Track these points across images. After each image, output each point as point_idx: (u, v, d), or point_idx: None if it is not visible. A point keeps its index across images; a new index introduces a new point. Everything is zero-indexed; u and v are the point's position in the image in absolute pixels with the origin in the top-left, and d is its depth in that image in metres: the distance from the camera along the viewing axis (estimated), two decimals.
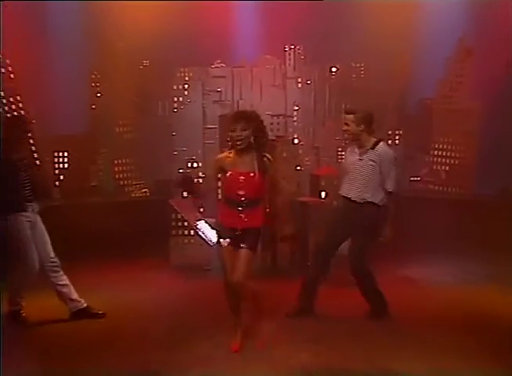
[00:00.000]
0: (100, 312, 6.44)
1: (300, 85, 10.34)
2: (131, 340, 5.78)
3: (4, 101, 9.56)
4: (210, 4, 10.01)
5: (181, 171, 9.70)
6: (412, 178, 10.76)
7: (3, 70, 9.65)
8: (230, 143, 5.29)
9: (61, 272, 6.34)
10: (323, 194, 8.70)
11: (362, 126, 6.11)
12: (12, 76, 9.75)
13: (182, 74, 10.31)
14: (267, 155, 5.31)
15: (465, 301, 6.79)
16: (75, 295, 6.39)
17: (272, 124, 9.95)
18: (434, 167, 10.65)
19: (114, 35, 10.40)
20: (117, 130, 10.84)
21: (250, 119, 5.24)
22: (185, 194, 9.34)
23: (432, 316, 6.35)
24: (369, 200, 6.14)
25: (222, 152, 5.48)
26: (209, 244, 8.39)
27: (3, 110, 9.50)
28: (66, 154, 10.45)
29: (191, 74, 10.30)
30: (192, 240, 8.80)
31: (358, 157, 6.19)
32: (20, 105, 9.70)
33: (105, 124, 10.72)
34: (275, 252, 8.54)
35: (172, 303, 6.98)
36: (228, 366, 5.14)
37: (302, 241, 8.37)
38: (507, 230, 8.29)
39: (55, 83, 9.79)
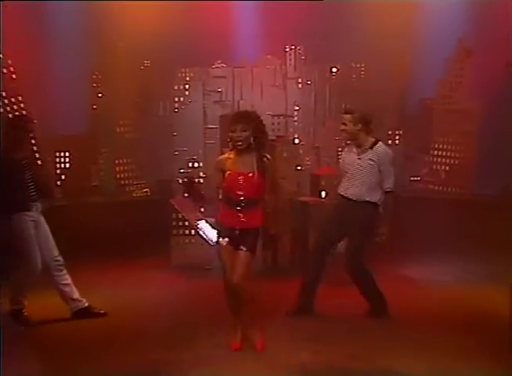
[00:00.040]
0: (102, 311, 6.47)
1: (300, 85, 10.32)
2: (132, 339, 5.80)
3: (6, 101, 9.59)
4: (210, 4, 10.01)
5: (182, 171, 9.74)
6: (412, 178, 10.76)
7: (5, 71, 9.68)
8: (230, 144, 5.32)
9: (64, 272, 6.38)
10: (323, 194, 8.74)
11: (360, 126, 6.17)
12: (13, 76, 9.78)
13: (183, 75, 10.29)
14: (267, 155, 5.34)
15: (465, 301, 6.81)
16: (77, 295, 6.42)
17: (272, 124, 9.95)
18: (434, 167, 10.65)
19: (115, 36, 10.39)
20: (118, 130, 10.85)
21: (250, 119, 5.27)
22: (185, 194, 9.41)
23: (432, 315, 6.37)
24: (368, 199, 6.18)
25: (223, 152, 5.51)
26: (210, 244, 8.38)
27: (4, 110, 9.53)
28: (67, 154, 10.46)
29: (192, 75, 10.28)
30: (193, 240, 8.82)
31: (356, 157, 6.24)
32: (22, 105, 9.74)
33: (106, 124, 10.73)
34: (276, 252, 8.57)
35: (173, 302, 7.01)
36: (229, 364, 5.16)
37: (302, 241, 8.39)
38: (507, 230, 8.27)
39: (57, 83, 9.79)
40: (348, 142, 6.41)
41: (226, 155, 5.38)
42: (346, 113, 6.29)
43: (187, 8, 10.01)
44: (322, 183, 8.76)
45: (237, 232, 5.31)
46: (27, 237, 6.18)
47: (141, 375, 5.03)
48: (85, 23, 9.93)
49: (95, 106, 10.76)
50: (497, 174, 9.48)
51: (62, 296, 6.41)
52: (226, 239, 5.34)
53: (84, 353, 5.46)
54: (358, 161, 6.21)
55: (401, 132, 10.53)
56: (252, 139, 5.24)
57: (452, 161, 10.49)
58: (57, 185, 10.26)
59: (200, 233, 8.71)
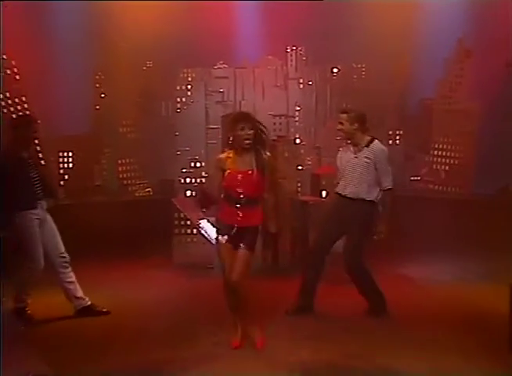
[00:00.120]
0: (104, 310, 6.51)
1: (301, 86, 10.37)
2: (134, 337, 5.83)
3: (10, 102, 9.66)
4: (212, 5, 10.05)
5: (184, 170, 9.78)
6: (412, 178, 10.79)
7: (9, 72, 9.75)
8: (234, 142, 5.37)
9: (69, 269, 6.42)
10: (324, 193, 8.79)
11: (356, 125, 6.24)
12: (17, 77, 9.85)
13: (185, 75, 10.33)
14: (266, 153, 5.41)
15: (464, 300, 6.82)
16: (80, 293, 6.47)
17: (274, 124, 10.02)
18: (434, 166, 10.68)
19: (118, 36, 10.42)
20: (121, 130, 10.91)
21: (253, 119, 5.38)
22: (188, 194, 9.49)
23: (431, 314, 6.38)
24: (365, 197, 6.23)
25: (224, 152, 5.56)
26: (211, 243, 8.32)
27: (8, 110, 9.60)
28: (70, 154, 10.52)
29: (194, 75, 10.31)
30: (194, 239, 8.87)
31: (353, 155, 6.30)
32: (26, 105, 9.81)
33: (109, 124, 10.79)
34: (276, 251, 8.61)
35: (175, 301, 7.04)
36: (229, 362, 5.19)
37: (302, 240, 8.44)
38: (506, 229, 8.31)
39: (60, 84, 9.85)
40: (349, 142, 6.46)
41: (226, 154, 5.44)
42: (342, 112, 6.37)
43: (189, 8, 10.06)
44: (323, 183, 8.81)
45: (236, 229, 5.36)
46: (32, 235, 6.24)
47: (143, 373, 5.05)
48: (88, 24, 9.99)
49: (98, 107, 10.83)
50: (497, 174, 9.48)
51: (66, 294, 6.45)
52: (225, 237, 5.39)
53: (86, 351, 5.49)
54: (355, 160, 6.28)
55: (401, 132, 10.56)
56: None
57: (451, 161, 10.51)
58: (60, 184, 10.31)
59: (202, 232, 8.74)
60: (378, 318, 6.25)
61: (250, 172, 5.33)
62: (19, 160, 6.28)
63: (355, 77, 10.70)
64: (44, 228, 6.34)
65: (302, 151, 9.73)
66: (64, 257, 6.40)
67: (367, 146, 6.26)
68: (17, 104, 9.77)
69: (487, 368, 5.02)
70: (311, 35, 10.17)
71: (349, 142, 6.41)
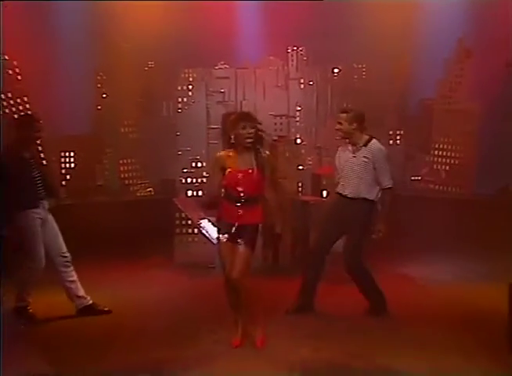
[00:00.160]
0: (106, 309, 6.53)
1: (302, 86, 10.38)
2: (135, 336, 5.85)
3: (12, 102, 9.70)
4: (213, 6, 10.07)
5: (185, 170, 9.81)
6: (412, 178, 10.80)
7: (10, 72, 9.78)
8: (235, 141, 5.39)
9: (71, 268, 6.45)
10: (325, 193, 8.81)
11: (355, 124, 6.26)
12: (19, 77, 9.89)
13: (186, 75, 10.33)
14: (266, 151, 5.46)
15: (464, 299, 6.83)
16: (82, 292, 6.49)
17: (275, 124, 10.07)
18: (435, 166, 10.68)
19: (119, 37, 10.47)
20: (123, 130, 10.93)
21: (254, 119, 5.42)
22: (189, 194, 9.53)
23: (431, 313, 6.39)
24: (365, 196, 6.25)
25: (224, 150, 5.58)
26: (212, 243, 8.38)
27: (10, 110, 9.64)
28: (72, 154, 10.56)
29: (195, 75, 10.31)
30: (196, 239, 8.91)
31: (351, 155, 6.32)
32: (28, 106, 9.85)
33: (110, 124, 10.82)
34: (277, 250, 8.63)
35: (175, 300, 7.06)
36: (229, 361, 5.21)
37: (303, 239, 8.46)
38: (506, 229, 8.33)
39: (62, 84, 9.87)
40: (348, 141, 6.47)
41: (225, 152, 5.47)
42: (341, 112, 6.40)
43: (190, 9, 10.08)
44: (324, 183, 8.84)
45: (236, 227, 5.37)
46: (33, 235, 6.27)
47: (143, 372, 5.04)
48: (90, 25, 10.01)
49: (99, 107, 10.85)
50: (497, 174, 9.49)
51: (67, 293, 6.47)
52: (226, 235, 5.42)
53: (87, 350, 5.51)
54: (353, 159, 6.29)
55: (402, 132, 10.57)
56: None
57: (452, 161, 10.51)
58: (62, 184, 10.33)
59: (203, 231, 8.78)
60: (378, 317, 6.26)
61: (250, 171, 5.36)
62: (22, 160, 6.31)
63: (355, 77, 10.71)
64: (45, 227, 6.37)
65: (303, 151, 9.78)
66: (66, 256, 6.43)
67: (365, 145, 6.27)
68: (19, 104, 9.80)
69: (486, 367, 5.02)
70: (312, 35, 10.17)
71: (347, 141, 6.43)
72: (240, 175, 5.35)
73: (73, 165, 10.59)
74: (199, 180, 9.67)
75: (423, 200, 10.06)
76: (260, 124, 5.44)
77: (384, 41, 9.75)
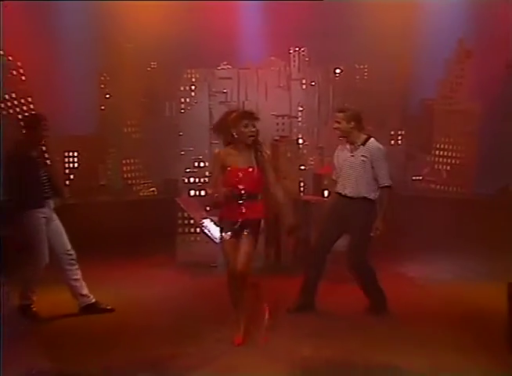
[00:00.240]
0: (109, 307, 6.56)
1: (304, 86, 10.40)
2: (138, 335, 5.87)
3: (16, 102, 9.75)
4: (216, 6, 10.11)
5: (188, 170, 9.84)
6: (414, 178, 10.83)
7: (14, 73, 9.84)
8: (237, 139, 5.45)
9: (76, 266, 6.48)
10: (326, 193, 8.84)
11: (353, 123, 6.29)
12: (23, 78, 9.94)
13: (189, 76, 10.36)
14: (266, 150, 5.52)
15: (464, 299, 6.85)
16: (85, 290, 6.52)
17: (276, 124, 10.09)
18: (436, 166, 10.71)
19: (122, 37, 10.52)
20: (126, 130, 10.98)
21: (255, 118, 5.48)
22: (191, 193, 9.57)
23: (431, 312, 6.42)
24: (364, 195, 6.27)
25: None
26: (214, 242, 8.46)
27: (14, 111, 9.70)
28: (76, 154, 10.61)
29: (198, 76, 10.34)
30: (198, 238, 8.94)
31: (349, 154, 6.35)
32: (31, 106, 9.90)
33: (113, 124, 10.86)
34: (279, 249, 8.66)
35: (178, 299, 7.08)
36: (231, 359, 5.23)
37: (305, 239, 8.49)
38: (506, 229, 8.36)
39: (65, 84, 9.92)
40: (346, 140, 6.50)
41: (224, 150, 5.54)
42: (339, 111, 6.43)
43: (193, 9, 10.13)
44: (325, 182, 8.87)
45: (239, 223, 5.40)
46: (38, 234, 6.31)
47: (146, 370, 5.07)
48: (93, 25, 10.04)
49: (103, 107, 10.90)
50: (497, 174, 9.52)
51: (71, 291, 6.51)
52: (229, 233, 5.45)
53: (91, 348, 5.54)
54: (352, 158, 6.32)
55: (403, 132, 10.59)
56: None
57: (453, 161, 10.55)
58: (66, 184, 10.37)
59: (205, 231, 8.82)
60: (379, 316, 6.28)
61: (250, 170, 5.42)
62: (29, 159, 6.35)
63: (357, 77, 10.75)
64: (50, 226, 6.41)
65: (305, 151, 9.82)
66: (71, 254, 6.46)
67: (363, 144, 6.30)
68: (23, 105, 9.86)
69: (486, 366, 5.03)
70: (313, 36, 10.20)
71: (346, 140, 6.46)
72: (241, 174, 5.40)
73: (76, 165, 10.64)
74: (201, 180, 9.69)
75: (424, 199, 10.08)
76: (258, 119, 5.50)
77: (385, 41, 9.79)
